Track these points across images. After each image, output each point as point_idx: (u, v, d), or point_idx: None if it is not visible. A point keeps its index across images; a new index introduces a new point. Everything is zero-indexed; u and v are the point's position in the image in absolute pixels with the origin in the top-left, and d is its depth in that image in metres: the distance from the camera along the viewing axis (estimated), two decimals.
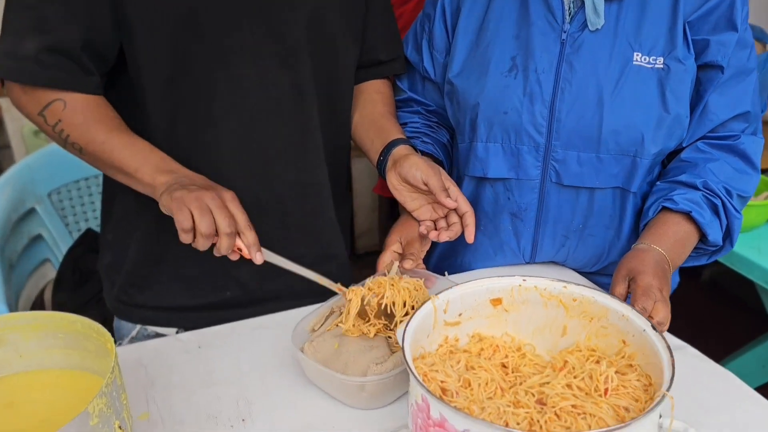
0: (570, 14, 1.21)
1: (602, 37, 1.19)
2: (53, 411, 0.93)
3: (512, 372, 0.94)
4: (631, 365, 0.87)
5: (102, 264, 1.34)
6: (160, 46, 1.07)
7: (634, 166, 1.22)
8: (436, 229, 1.22)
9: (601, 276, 1.38)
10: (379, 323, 1.06)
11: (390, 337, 1.05)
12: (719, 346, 2.02)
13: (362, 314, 1.07)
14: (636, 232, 1.29)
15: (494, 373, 0.89)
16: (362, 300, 1.05)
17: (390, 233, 1.26)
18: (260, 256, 1.01)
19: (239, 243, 1.01)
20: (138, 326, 1.28)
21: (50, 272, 1.89)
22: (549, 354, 0.99)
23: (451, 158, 1.43)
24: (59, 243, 1.82)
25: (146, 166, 1.01)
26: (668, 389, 0.75)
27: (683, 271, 1.38)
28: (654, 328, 0.85)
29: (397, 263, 1.17)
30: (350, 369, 0.98)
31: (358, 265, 3.36)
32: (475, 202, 1.34)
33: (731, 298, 3.07)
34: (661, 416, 0.75)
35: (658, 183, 1.26)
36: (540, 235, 1.32)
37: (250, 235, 0.99)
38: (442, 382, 0.84)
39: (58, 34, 1.01)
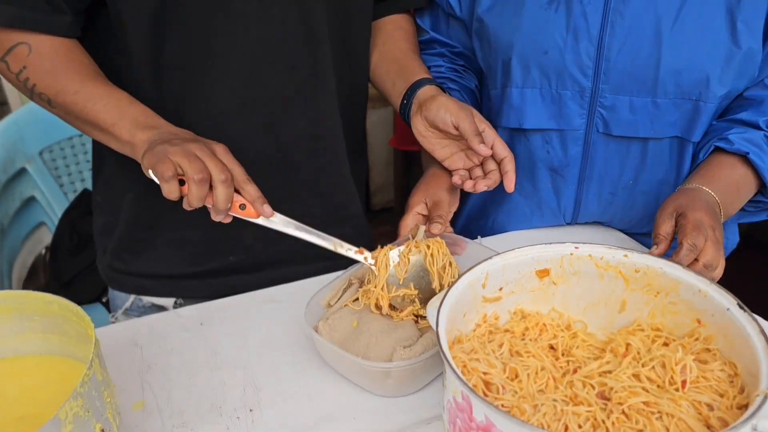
0: None
1: None
2: (32, 404, 0.81)
3: (563, 355, 0.80)
4: (708, 350, 0.73)
5: (95, 228, 1.21)
6: None
7: (696, 111, 1.05)
8: (471, 179, 1.07)
9: (651, 238, 1.22)
10: (413, 295, 0.93)
11: (417, 319, 0.92)
12: None
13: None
14: None
15: (544, 359, 0.75)
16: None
17: (413, 193, 1.11)
18: (269, 208, 0.87)
19: (240, 198, 0.86)
20: (132, 296, 1.15)
21: (46, 237, 1.77)
22: (603, 333, 0.85)
23: (480, 107, 1.26)
24: (54, 205, 1.69)
25: (124, 120, 0.86)
26: None
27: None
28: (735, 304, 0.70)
29: (423, 227, 1.03)
30: (372, 352, 0.85)
31: (374, 222, 3.21)
32: None
33: None
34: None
35: (713, 122, 1.09)
36: (583, 192, 1.17)
37: (251, 188, 0.85)
38: (485, 374, 0.70)
39: None
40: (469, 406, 0.63)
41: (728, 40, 1.01)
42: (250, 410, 0.87)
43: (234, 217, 0.87)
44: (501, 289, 0.82)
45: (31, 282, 1.74)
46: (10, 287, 1.55)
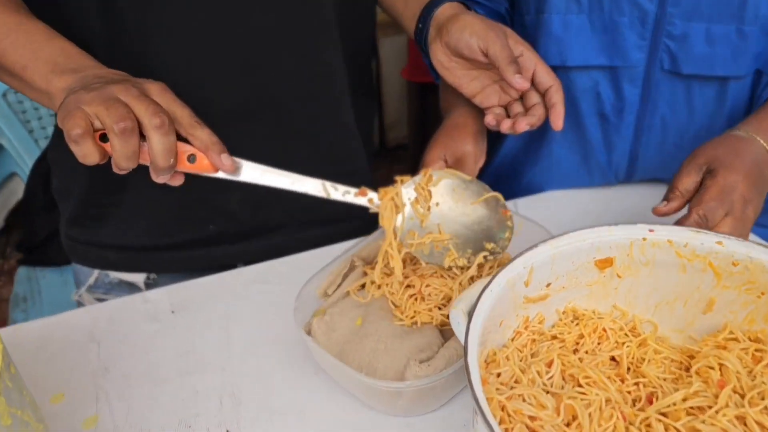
0: None
1: None
2: None
3: (629, 371, 0.61)
4: None
5: (53, 189, 1.02)
6: None
7: None
8: (509, 117, 0.85)
9: None
10: (444, 241, 0.72)
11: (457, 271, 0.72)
12: None
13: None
14: None
15: (609, 387, 0.56)
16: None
17: (430, 147, 0.90)
18: (228, 159, 0.65)
19: (188, 147, 0.65)
20: (96, 271, 0.97)
21: (20, 188, 1.58)
22: (679, 337, 0.65)
23: None
24: (23, 154, 1.49)
25: (38, 62, 0.65)
26: None
27: None
28: None
29: None
30: (381, 361, 0.66)
31: (388, 160, 3.01)
32: None
33: None
34: None
35: None
36: (641, 145, 0.95)
37: (201, 133, 0.63)
38: (532, 419, 0.51)
39: None
40: None
41: None
42: (227, 431, 0.69)
43: (204, 177, 0.67)
44: (548, 285, 0.62)
45: (10, 239, 1.57)
46: None
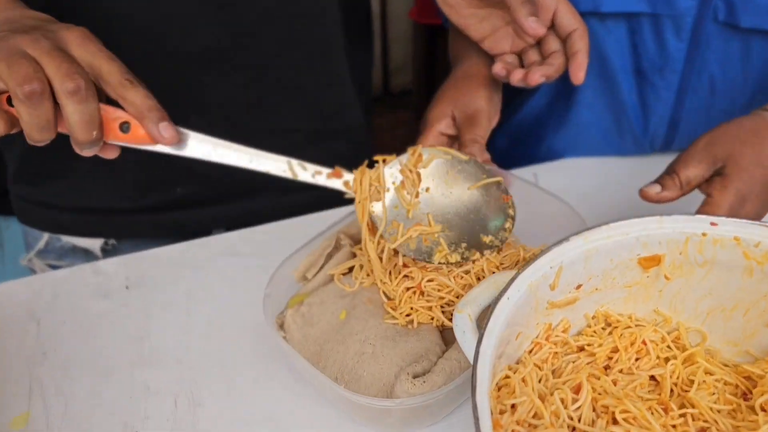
0: None
1: None
2: None
3: (672, 393, 0.49)
4: None
5: None
6: None
7: None
8: (522, 67, 0.72)
9: None
10: (434, 234, 0.59)
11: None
12: None
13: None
14: None
15: (655, 428, 0.44)
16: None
17: (436, 102, 0.75)
18: (168, 129, 0.52)
19: (120, 114, 0.51)
20: (47, 235, 0.84)
21: None
22: (733, 351, 0.53)
23: None
24: None
25: None
26: None
27: None
28: None
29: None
30: (367, 369, 0.54)
31: (392, 106, 2.84)
32: None
33: None
34: None
35: None
36: (684, 109, 0.81)
37: (134, 95, 0.49)
38: None
39: None
40: None
41: None
42: None
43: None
44: (579, 287, 0.50)
45: None
46: None
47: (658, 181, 0.62)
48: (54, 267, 0.85)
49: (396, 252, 0.58)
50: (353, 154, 0.83)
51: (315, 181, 0.58)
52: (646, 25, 0.78)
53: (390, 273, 0.59)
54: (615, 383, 0.48)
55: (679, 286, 0.52)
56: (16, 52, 0.45)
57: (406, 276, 0.58)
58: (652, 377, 0.51)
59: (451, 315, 0.55)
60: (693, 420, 0.47)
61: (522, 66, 0.72)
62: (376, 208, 0.58)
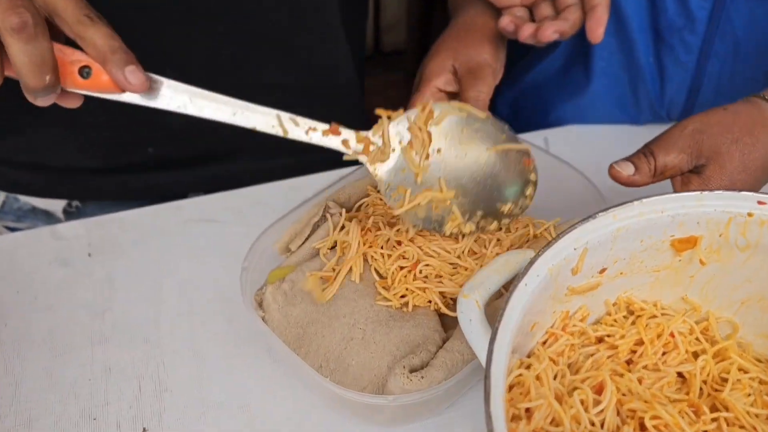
0: None
1: None
2: None
3: (707, 395, 0.43)
4: None
5: None
6: None
7: None
8: (533, 21, 0.64)
9: None
10: (445, 200, 0.52)
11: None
12: None
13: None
14: None
15: None
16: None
17: (433, 53, 0.67)
18: (136, 75, 0.44)
19: (79, 56, 0.44)
20: (3, 194, 0.76)
21: None
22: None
23: None
24: None
25: None
26: None
27: None
28: None
29: None
30: (355, 358, 0.47)
31: (383, 66, 2.73)
32: None
33: None
34: None
35: None
36: (706, 75, 0.74)
37: (95, 34, 0.42)
38: None
39: None
40: None
41: None
42: (144, 430, 0.51)
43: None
44: (603, 271, 0.43)
45: None
46: None
47: (632, 159, 0.54)
48: (12, 230, 0.78)
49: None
50: (344, 115, 0.75)
51: (308, 139, 0.51)
52: None
53: (382, 247, 0.52)
54: (640, 381, 0.42)
55: (714, 271, 0.46)
56: None
57: (402, 257, 0.51)
58: (679, 374, 0.45)
59: (453, 300, 0.49)
60: (728, 425, 0.41)
61: (533, 21, 0.64)
62: (380, 170, 0.51)
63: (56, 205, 0.76)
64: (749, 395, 0.43)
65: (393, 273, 0.51)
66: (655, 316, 0.46)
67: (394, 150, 0.52)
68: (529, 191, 0.53)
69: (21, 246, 0.65)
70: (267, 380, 0.54)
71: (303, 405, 0.52)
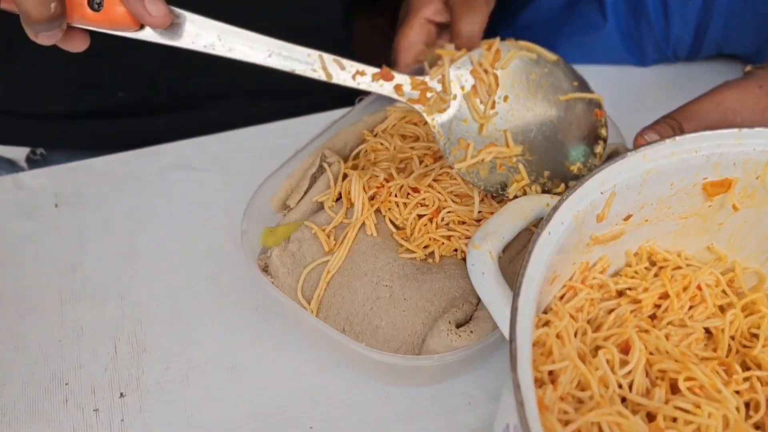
0: None
1: None
2: None
3: (731, 351, 0.40)
4: None
5: None
6: None
7: None
8: None
9: None
10: (513, 156, 0.47)
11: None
12: None
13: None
14: None
15: (728, 400, 0.34)
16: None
17: None
18: (158, 6, 0.38)
19: None
20: None
21: None
22: None
23: None
24: None
25: None
26: None
27: None
28: None
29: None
30: (384, 318, 0.43)
31: (366, 10, 2.63)
32: None
33: None
34: None
35: None
36: (714, 12, 0.69)
37: None
38: None
39: None
40: None
41: None
42: (121, 395, 0.47)
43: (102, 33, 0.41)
44: (628, 218, 0.39)
45: None
46: None
47: (657, 128, 0.49)
48: None
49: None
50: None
51: (356, 85, 0.46)
52: None
53: (396, 195, 0.47)
54: (667, 338, 0.39)
55: (745, 218, 0.42)
56: None
57: (421, 204, 0.47)
58: (706, 331, 0.41)
59: None
60: (762, 385, 0.37)
61: None
62: (439, 120, 0.46)
63: (19, 154, 0.70)
64: None
65: (412, 223, 0.46)
66: (679, 267, 0.42)
67: (455, 97, 0.47)
68: (599, 149, 0.48)
69: None
70: (256, 339, 0.50)
71: (296, 365, 0.48)
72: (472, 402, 0.46)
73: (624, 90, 0.72)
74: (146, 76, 0.66)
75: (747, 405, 0.37)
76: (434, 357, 0.40)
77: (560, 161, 0.47)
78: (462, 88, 0.47)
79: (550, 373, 0.33)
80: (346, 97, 0.58)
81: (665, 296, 0.41)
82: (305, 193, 0.50)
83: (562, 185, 0.46)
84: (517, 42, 0.49)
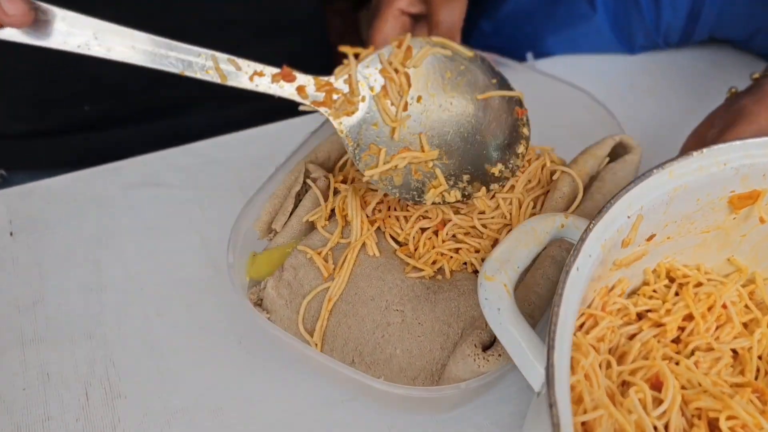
0: None
1: None
2: None
3: (759, 373, 0.37)
4: None
5: None
6: None
7: None
8: None
9: None
10: (429, 161, 0.43)
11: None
12: None
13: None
14: None
15: None
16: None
17: None
18: (14, 3, 0.34)
19: None
20: None
21: None
22: None
23: None
24: None
25: None
26: None
27: None
28: None
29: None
30: (399, 345, 0.39)
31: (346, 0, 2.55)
32: None
33: None
34: None
35: None
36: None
37: None
38: None
39: None
40: None
41: None
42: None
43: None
44: (652, 237, 0.36)
45: None
46: None
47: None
48: None
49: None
50: (306, 53, 0.65)
51: (253, 87, 0.41)
52: None
53: (395, 209, 0.43)
54: (697, 366, 0.36)
55: None
56: None
57: (424, 216, 0.43)
58: (734, 352, 0.38)
59: None
60: None
61: None
62: (346, 125, 0.42)
63: None
64: None
65: (415, 237, 0.43)
66: (700, 284, 0.39)
67: (363, 99, 0.43)
68: (521, 149, 0.44)
69: None
70: (243, 375, 0.45)
71: (291, 403, 0.44)
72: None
73: (613, 78, 0.69)
74: (114, 87, 0.61)
75: None
76: (461, 385, 0.36)
77: (480, 163, 0.43)
78: (371, 88, 0.43)
79: (583, 424, 0.30)
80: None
81: (689, 317, 0.38)
82: (290, 214, 0.45)
83: (483, 189, 0.43)
84: (430, 38, 0.45)
